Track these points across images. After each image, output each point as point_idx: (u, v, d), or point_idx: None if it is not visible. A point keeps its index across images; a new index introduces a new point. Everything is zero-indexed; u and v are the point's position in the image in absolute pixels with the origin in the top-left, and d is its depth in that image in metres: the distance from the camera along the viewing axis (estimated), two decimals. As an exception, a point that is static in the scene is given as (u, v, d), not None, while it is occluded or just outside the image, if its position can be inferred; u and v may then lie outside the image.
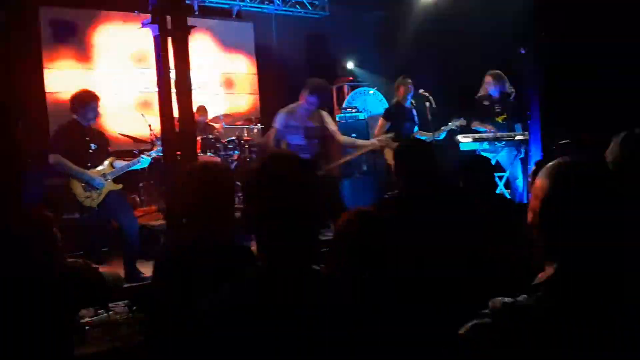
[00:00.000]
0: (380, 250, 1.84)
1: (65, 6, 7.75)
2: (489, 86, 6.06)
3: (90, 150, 4.64)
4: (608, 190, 1.24)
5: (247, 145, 6.89)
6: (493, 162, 6.07)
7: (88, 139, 4.65)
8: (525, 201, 5.44)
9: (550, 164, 1.31)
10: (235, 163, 6.78)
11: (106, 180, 4.62)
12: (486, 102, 6.11)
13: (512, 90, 6.08)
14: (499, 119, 6.08)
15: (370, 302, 1.45)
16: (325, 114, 5.06)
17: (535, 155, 5.53)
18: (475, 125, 6.12)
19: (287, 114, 4.93)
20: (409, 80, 6.04)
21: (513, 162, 6.05)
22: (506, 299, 1.23)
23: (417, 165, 2.62)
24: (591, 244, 1.21)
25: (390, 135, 5.48)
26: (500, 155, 6.08)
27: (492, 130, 6.00)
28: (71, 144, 4.54)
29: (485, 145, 6.04)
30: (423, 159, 2.65)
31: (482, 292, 1.38)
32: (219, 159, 6.53)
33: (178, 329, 1.83)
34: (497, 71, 6.08)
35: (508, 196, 5.93)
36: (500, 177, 6.29)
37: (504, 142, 6.00)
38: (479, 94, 6.18)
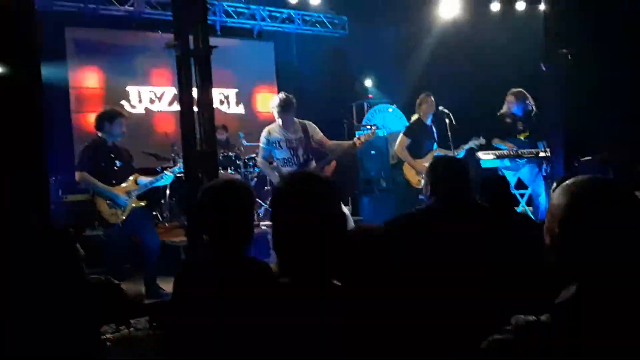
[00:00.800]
0: (379, 268, 1.82)
1: (89, 27, 7.95)
2: (512, 104, 6.04)
3: (115, 168, 4.71)
4: (628, 207, 1.22)
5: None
6: (515, 179, 6.06)
7: (113, 156, 4.72)
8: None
9: (567, 182, 1.30)
10: (256, 180, 6.83)
11: (130, 197, 4.69)
12: (508, 120, 6.10)
13: (534, 107, 6.05)
14: (521, 136, 6.05)
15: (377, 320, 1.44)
16: (309, 123, 5.15)
17: (557, 172, 5.47)
18: (496, 142, 6.10)
19: (267, 132, 5.13)
20: (432, 98, 6.01)
21: (535, 179, 5.99)
22: (530, 317, 1.22)
23: (451, 182, 2.61)
24: (612, 262, 1.19)
25: (372, 129, 5.40)
26: (522, 172, 6.03)
27: (513, 148, 5.97)
28: (97, 161, 4.62)
29: (507, 162, 6.00)
30: (458, 175, 2.63)
31: (501, 308, 1.37)
32: (239, 176, 6.59)
33: (196, 346, 1.83)
34: (520, 89, 6.07)
35: (530, 214, 5.87)
36: (522, 195, 6.23)
37: (525, 159, 5.96)
38: (501, 112, 6.16)
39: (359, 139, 5.27)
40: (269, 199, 5.30)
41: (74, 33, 7.81)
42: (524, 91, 6.05)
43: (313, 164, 5.12)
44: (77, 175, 4.56)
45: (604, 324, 1.16)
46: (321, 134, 5.17)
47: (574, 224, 1.23)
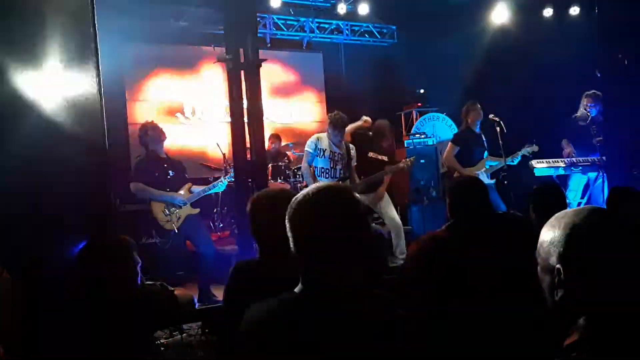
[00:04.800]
0: (458, 275, 1.80)
1: (146, 42, 8.24)
2: (589, 106, 5.89)
3: (169, 177, 4.87)
4: (625, 236, 1.18)
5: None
6: (573, 186, 5.91)
7: (166, 165, 4.89)
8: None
9: (556, 216, 1.25)
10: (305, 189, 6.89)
11: (184, 205, 4.83)
12: (582, 123, 5.95)
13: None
14: (594, 141, 5.87)
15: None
16: (352, 146, 5.52)
17: (614, 179, 5.29)
18: (564, 144, 5.95)
19: (316, 139, 5.42)
20: (478, 106, 5.95)
21: (592, 188, 5.82)
22: None
23: (469, 204, 2.62)
24: (619, 295, 1.15)
25: (408, 162, 5.70)
26: (580, 181, 5.88)
27: (571, 155, 5.82)
28: (150, 172, 4.80)
29: (561, 170, 5.85)
30: (475, 197, 2.64)
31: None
32: (288, 186, 6.66)
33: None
34: (595, 91, 5.91)
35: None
36: (579, 204, 6.05)
37: (580, 168, 5.79)
38: (576, 114, 6.02)
39: (391, 170, 5.67)
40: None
41: (132, 48, 8.12)
42: (599, 93, 5.89)
43: (348, 182, 5.32)
44: (132, 186, 4.73)
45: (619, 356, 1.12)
46: (356, 162, 5.50)
47: (576, 257, 1.18)
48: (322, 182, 1.49)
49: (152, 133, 4.84)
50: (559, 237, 1.20)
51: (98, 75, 2.59)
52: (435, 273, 1.85)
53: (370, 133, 6.00)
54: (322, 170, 5.35)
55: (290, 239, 1.41)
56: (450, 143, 6.11)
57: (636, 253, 1.17)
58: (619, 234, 1.18)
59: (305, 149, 5.47)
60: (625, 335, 1.13)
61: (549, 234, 1.23)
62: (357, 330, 1.32)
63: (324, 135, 5.42)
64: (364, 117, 6.02)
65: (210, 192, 5.16)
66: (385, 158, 5.83)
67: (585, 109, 5.92)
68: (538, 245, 1.26)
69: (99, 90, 2.56)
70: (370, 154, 5.79)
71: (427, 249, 1.91)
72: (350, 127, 5.73)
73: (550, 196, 3.02)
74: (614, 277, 1.15)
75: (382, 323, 1.36)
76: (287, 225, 1.43)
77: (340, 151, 5.37)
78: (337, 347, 1.29)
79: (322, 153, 5.34)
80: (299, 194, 1.46)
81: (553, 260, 1.21)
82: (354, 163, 5.47)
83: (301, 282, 1.41)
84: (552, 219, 1.25)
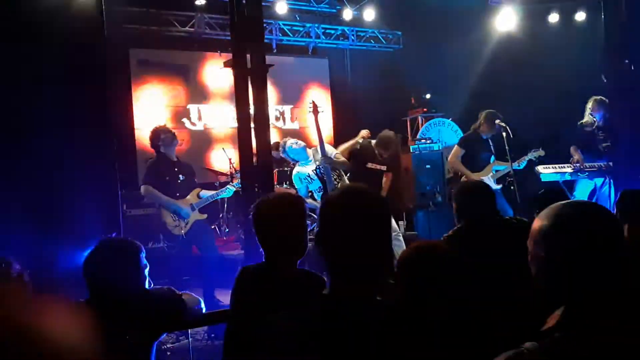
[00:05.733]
0: (438, 283, 1.81)
1: (152, 47, 8.31)
2: (594, 112, 5.85)
3: (179, 181, 4.91)
4: (609, 230, 1.21)
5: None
6: (579, 192, 5.88)
7: (177, 169, 4.92)
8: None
9: (549, 207, 1.29)
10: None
11: (193, 210, 4.86)
12: (588, 129, 5.92)
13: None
14: (600, 147, 5.84)
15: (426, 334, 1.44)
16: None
17: (620, 186, 5.27)
18: (572, 150, 5.94)
19: (296, 172, 5.57)
20: (498, 122, 5.68)
21: (599, 193, 5.79)
22: (520, 348, 1.19)
23: (476, 208, 2.62)
24: (598, 286, 1.19)
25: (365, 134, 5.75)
26: (586, 186, 5.86)
27: (580, 162, 5.79)
28: (161, 175, 4.83)
29: (567, 176, 5.84)
30: (481, 201, 2.65)
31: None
32: (294, 191, 6.67)
33: (252, 356, 1.89)
34: (600, 97, 5.88)
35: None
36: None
37: (587, 173, 5.77)
38: (582, 121, 5.98)
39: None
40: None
41: (138, 53, 8.18)
42: (605, 99, 5.86)
43: (346, 180, 5.34)
44: (143, 189, 4.77)
45: (592, 348, 1.14)
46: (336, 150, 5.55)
47: (559, 247, 1.22)
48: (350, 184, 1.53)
49: (164, 136, 4.88)
50: (545, 227, 1.25)
51: (104, 83, 2.63)
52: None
53: (372, 142, 5.99)
54: (320, 190, 5.38)
55: (321, 235, 1.44)
56: (456, 146, 6.09)
57: (617, 248, 1.20)
58: (602, 229, 1.21)
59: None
60: (599, 323, 1.17)
61: (538, 224, 1.28)
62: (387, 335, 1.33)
63: (297, 167, 5.55)
64: (362, 132, 6.04)
65: (217, 197, 5.19)
66: (383, 168, 5.81)
67: (591, 115, 5.89)
68: (529, 235, 1.30)
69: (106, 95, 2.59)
70: (369, 165, 5.77)
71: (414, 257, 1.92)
72: (344, 147, 5.81)
73: (555, 201, 3.02)
74: (594, 270, 1.19)
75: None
76: (319, 220, 1.47)
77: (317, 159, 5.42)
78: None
79: (308, 179, 5.43)
80: (330, 194, 1.52)
81: (539, 249, 1.25)
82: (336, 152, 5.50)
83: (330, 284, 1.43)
84: (545, 210, 1.29)
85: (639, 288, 1.20)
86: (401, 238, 5.69)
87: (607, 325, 1.16)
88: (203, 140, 8.56)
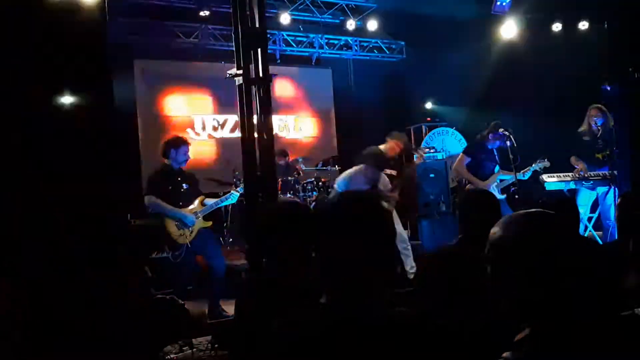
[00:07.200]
0: (469, 291, 1.78)
1: (157, 58, 8.35)
2: (593, 119, 5.83)
3: (182, 190, 4.91)
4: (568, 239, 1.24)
5: (325, 186, 7.02)
6: (582, 201, 5.85)
7: (180, 179, 4.93)
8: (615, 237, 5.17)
9: (506, 217, 1.29)
10: (314, 203, 6.90)
11: (197, 218, 4.86)
12: (586, 138, 5.89)
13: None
14: (600, 156, 5.82)
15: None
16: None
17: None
18: (573, 161, 5.92)
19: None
20: (506, 135, 5.68)
21: (603, 202, 5.77)
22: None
23: (481, 216, 2.62)
24: (562, 292, 1.19)
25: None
26: (588, 196, 5.84)
27: (581, 172, 5.78)
28: (164, 185, 4.84)
29: (571, 185, 5.82)
30: (487, 210, 2.64)
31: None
32: (298, 200, 6.68)
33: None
34: (599, 105, 5.85)
35: (597, 238, 5.65)
36: (590, 219, 6.00)
37: (591, 182, 5.75)
38: (581, 129, 5.96)
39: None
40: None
41: (142, 64, 8.23)
42: (604, 107, 5.84)
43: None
44: (146, 199, 4.77)
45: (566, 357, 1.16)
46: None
47: (516, 255, 1.22)
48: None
49: (183, 150, 4.88)
50: (505, 235, 1.25)
51: (111, 93, 2.64)
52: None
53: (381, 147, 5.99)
54: None
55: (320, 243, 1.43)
56: (462, 153, 6.10)
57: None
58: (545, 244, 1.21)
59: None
60: (566, 336, 1.17)
61: (493, 229, 1.28)
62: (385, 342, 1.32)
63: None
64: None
65: (222, 204, 5.19)
66: (394, 172, 5.83)
67: (593, 123, 5.87)
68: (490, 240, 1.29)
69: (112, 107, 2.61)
70: (386, 171, 5.80)
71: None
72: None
73: (557, 209, 3.01)
74: (531, 283, 1.19)
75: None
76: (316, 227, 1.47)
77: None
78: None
79: None
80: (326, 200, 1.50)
81: (501, 257, 1.26)
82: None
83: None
84: (503, 220, 1.29)
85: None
86: (410, 249, 5.69)
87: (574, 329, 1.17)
88: (207, 151, 8.58)
